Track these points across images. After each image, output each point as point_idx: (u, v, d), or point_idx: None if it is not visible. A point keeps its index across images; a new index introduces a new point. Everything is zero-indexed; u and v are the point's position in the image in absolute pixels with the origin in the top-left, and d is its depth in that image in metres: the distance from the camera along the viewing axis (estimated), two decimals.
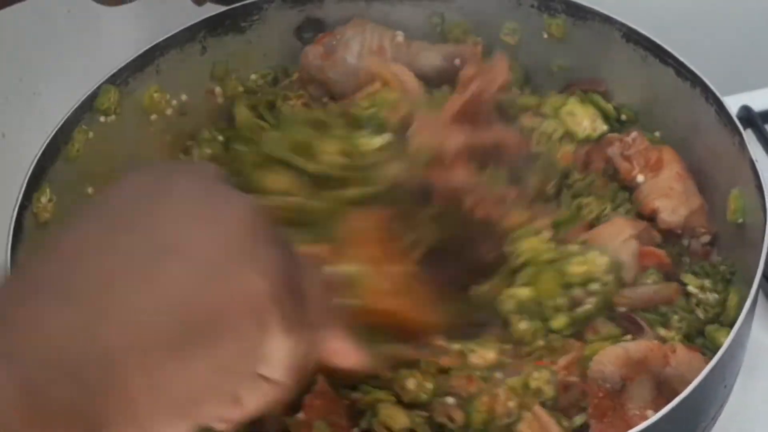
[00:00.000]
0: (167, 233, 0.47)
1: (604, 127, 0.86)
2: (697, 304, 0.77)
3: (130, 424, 0.45)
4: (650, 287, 0.77)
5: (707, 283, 0.77)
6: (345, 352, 0.56)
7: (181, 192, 0.50)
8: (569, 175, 0.84)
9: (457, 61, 0.90)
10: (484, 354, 0.73)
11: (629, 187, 0.84)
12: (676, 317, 0.76)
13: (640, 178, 0.83)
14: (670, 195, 0.81)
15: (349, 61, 0.90)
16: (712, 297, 0.77)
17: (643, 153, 0.83)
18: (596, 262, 0.75)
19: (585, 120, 0.86)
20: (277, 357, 0.50)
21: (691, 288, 0.77)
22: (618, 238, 0.79)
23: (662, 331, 0.75)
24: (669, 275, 0.79)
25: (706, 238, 0.81)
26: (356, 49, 0.90)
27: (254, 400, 0.51)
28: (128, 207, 0.49)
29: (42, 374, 0.43)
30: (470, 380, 0.72)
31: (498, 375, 0.72)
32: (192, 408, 0.48)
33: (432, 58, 0.90)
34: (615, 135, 0.85)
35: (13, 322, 0.44)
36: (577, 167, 0.85)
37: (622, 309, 0.76)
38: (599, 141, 0.86)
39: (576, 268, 0.75)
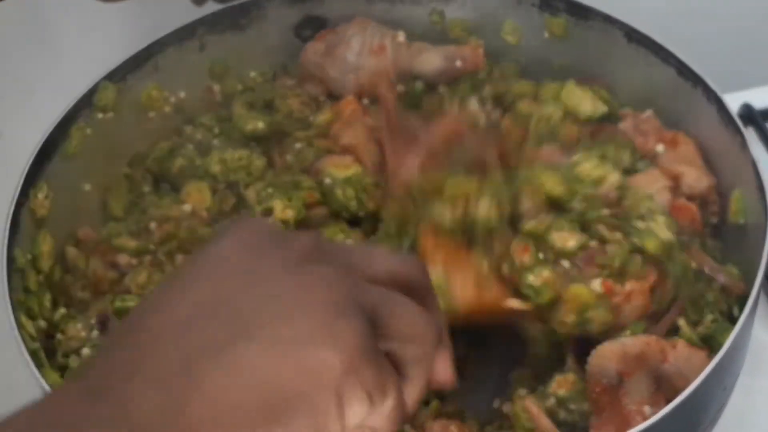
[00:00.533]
0: (246, 315, 0.51)
1: (605, 108, 0.85)
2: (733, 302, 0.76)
3: None
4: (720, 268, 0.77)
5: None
6: (443, 372, 0.58)
7: (264, 275, 0.53)
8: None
9: (459, 63, 0.90)
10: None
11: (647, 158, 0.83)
12: (710, 317, 0.75)
13: (659, 147, 0.82)
14: (693, 164, 0.81)
15: (349, 60, 0.89)
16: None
17: (657, 130, 0.83)
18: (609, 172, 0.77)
19: (585, 101, 0.85)
20: (364, 418, 0.52)
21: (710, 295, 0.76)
22: (652, 187, 0.78)
23: (687, 333, 0.73)
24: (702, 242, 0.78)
25: (714, 220, 0.81)
26: (357, 47, 0.89)
27: None
28: (210, 288, 0.52)
29: None
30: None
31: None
32: None
33: (433, 59, 0.90)
34: (627, 111, 0.85)
35: (113, 404, 0.48)
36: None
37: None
38: (600, 122, 0.85)
39: (585, 171, 0.76)
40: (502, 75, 0.90)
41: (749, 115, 1.01)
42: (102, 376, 0.50)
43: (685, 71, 0.83)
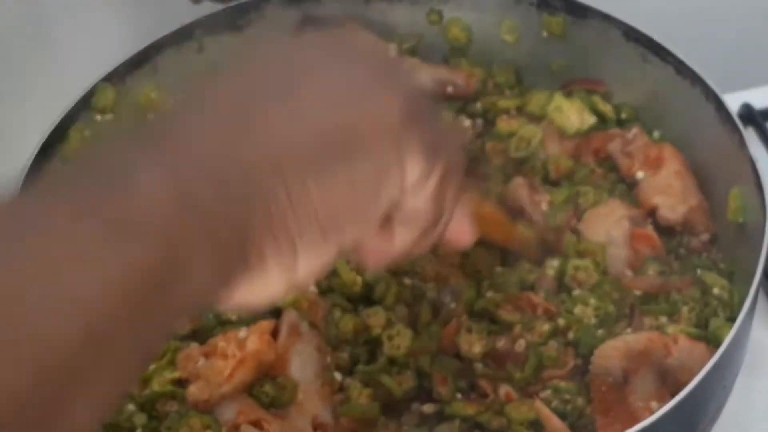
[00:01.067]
0: (302, 63, 0.51)
1: (592, 120, 0.85)
2: (719, 304, 0.75)
3: (275, 239, 0.48)
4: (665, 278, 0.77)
5: (726, 282, 0.76)
6: (464, 231, 0.60)
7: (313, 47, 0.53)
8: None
9: (450, 88, 0.89)
10: None
11: (629, 184, 0.83)
12: (686, 308, 0.75)
13: (639, 174, 0.82)
14: (669, 192, 0.81)
15: None
16: (733, 296, 0.76)
17: (643, 149, 0.83)
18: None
19: (572, 114, 0.85)
20: (417, 181, 0.52)
21: (716, 290, 0.76)
22: (611, 218, 0.79)
23: (671, 328, 0.74)
24: (673, 269, 0.78)
25: (705, 236, 0.81)
26: None
27: (401, 232, 0.54)
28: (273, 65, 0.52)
29: (193, 181, 0.46)
30: None
31: None
32: (333, 228, 0.50)
33: (423, 79, 0.88)
34: (616, 131, 0.85)
35: (170, 138, 0.48)
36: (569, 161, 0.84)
37: (637, 292, 0.76)
38: (587, 135, 0.85)
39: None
40: (495, 86, 0.90)
41: (749, 114, 1.01)
42: (149, 134, 0.49)
43: (683, 70, 0.83)
